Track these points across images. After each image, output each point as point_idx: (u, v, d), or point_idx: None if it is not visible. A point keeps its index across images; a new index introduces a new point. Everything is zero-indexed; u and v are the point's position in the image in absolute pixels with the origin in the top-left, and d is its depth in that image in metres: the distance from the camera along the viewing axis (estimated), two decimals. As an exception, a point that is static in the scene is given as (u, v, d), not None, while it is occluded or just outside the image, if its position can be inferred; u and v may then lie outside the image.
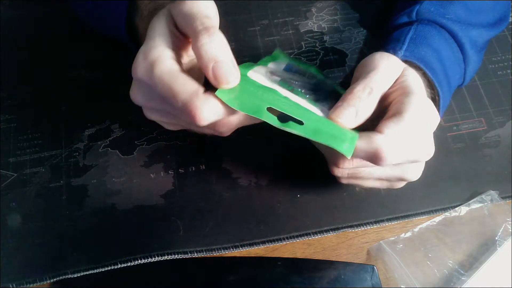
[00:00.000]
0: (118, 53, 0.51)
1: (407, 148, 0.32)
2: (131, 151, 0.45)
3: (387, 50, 0.37)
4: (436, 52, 0.40)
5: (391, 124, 0.31)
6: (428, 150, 0.34)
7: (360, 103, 0.32)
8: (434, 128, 0.34)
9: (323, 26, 0.51)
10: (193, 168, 0.44)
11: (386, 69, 0.34)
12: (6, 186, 0.44)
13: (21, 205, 0.43)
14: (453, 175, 0.43)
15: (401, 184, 0.38)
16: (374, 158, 0.31)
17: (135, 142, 0.46)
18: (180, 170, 0.44)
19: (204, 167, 0.44)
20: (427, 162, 0.43)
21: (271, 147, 0.45)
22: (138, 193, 0.43)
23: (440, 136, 0.45)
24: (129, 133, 0.46)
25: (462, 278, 0.38)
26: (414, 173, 0.36)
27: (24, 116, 0.47)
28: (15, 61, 0.51)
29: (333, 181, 0.43)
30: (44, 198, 0.43)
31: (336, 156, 0.34)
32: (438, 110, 0.39)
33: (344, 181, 0.38)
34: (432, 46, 0.40)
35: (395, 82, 0.34)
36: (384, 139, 0.30)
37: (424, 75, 0.38)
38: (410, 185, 0.42)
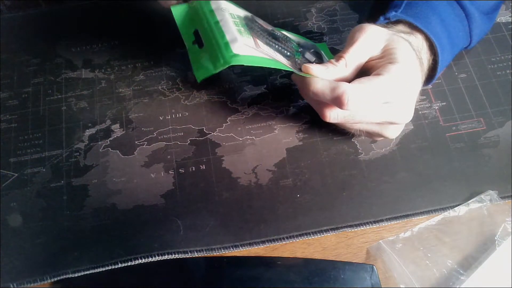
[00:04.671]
0: (118, 53, 0.51)
1: (375, 103, 0.36)
2: (131, 151, 0.45)
3: (385, 15, 0.42)
4: (433, 8, 0.41)
5: (364, 80, 0.36)
6: (405, 113, 0.38)
7: (334, 70, 0.37)
8: (414, 95, 0.38)
9: (322, 26, 0.52)
10: (193, 168, 0.44)
11: (363, 41, 0.38)
12: (6, 186, 0.44)
13: (22, 205, 0.43)
14: (452, 175, 0.43)
15: (380, 138, 0.43)
16: (337, 101, 0.35)
17: (136, 142, 0.46)
18: (180, 170, 0.44)
19: (204, 167, 0.44)
20: (426, 163, 0.44)
21: (271, 147, 0.45)
22: (139, 193, 0.43)
23: (439, 136, 0.45)
24: (129, 133, 0.46)
25: (461, 278, 0.38)
26: (392, 132, 0.40)
27: (24, 116, 0.48)
28: (15, 61, 0.51)
29: (332, 181, 0.43)
30: (44, 198, 0.43)
31: (320, 107, 0.38)
32: (437, 67, 0.42)
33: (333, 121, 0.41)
34: (430, 5, 0.42)
35: (384, 51, 0.38)
36: (349, 87, 0.35)
37: (420, 32, 0.41)
38: (410, 185, 0.43)
